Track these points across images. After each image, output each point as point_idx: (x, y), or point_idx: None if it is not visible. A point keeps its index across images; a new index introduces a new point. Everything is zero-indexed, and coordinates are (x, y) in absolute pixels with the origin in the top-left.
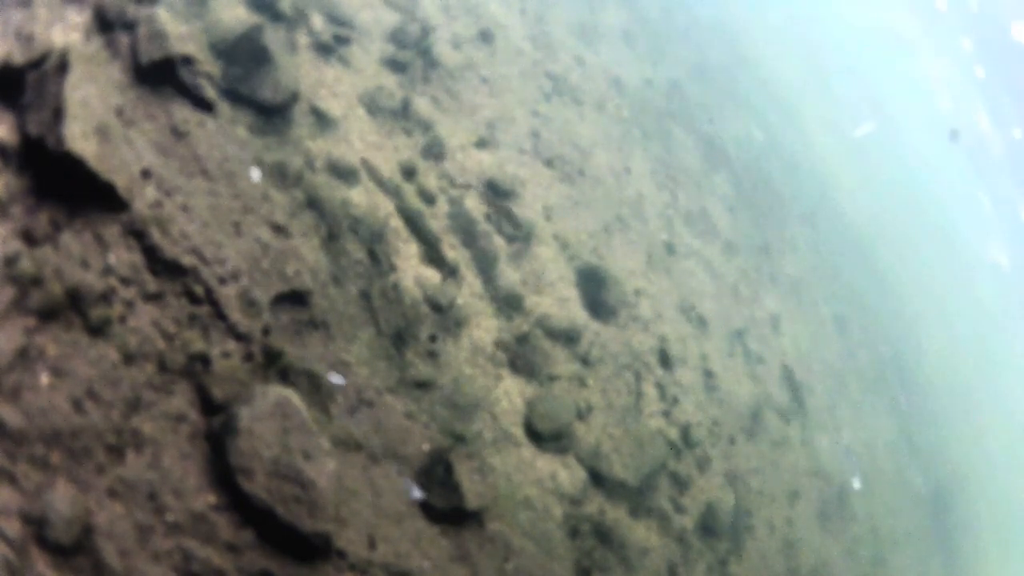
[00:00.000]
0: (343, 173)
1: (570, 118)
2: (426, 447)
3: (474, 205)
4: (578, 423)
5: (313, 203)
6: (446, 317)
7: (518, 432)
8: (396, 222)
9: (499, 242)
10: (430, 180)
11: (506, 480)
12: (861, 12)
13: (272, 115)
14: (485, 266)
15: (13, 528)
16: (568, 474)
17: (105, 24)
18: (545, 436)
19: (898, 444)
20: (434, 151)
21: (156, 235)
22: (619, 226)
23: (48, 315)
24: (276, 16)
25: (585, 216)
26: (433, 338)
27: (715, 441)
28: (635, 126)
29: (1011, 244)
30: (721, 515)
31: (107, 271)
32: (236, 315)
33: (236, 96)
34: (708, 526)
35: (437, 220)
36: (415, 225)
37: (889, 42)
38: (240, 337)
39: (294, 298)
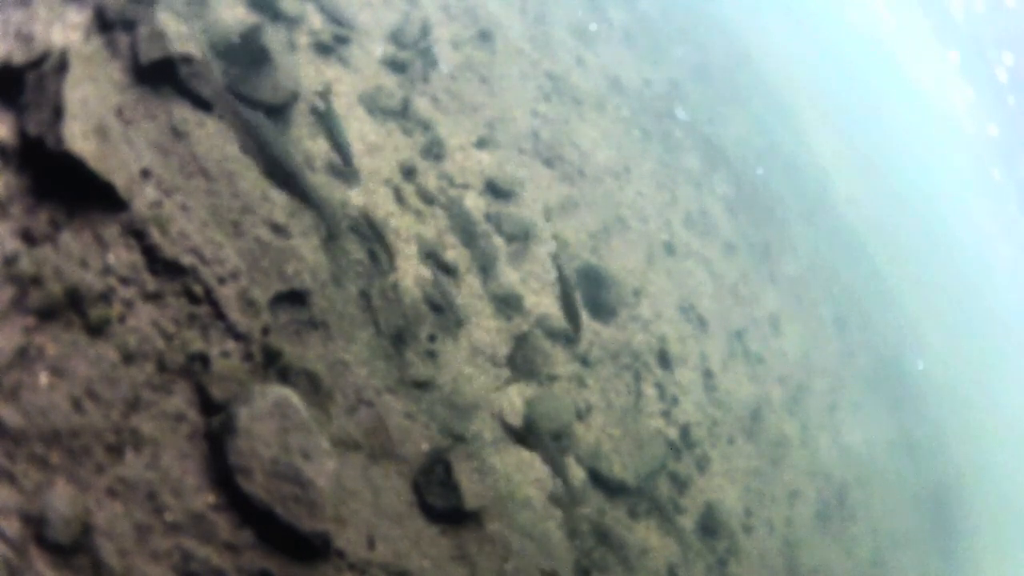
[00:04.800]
0: (343, 173)
1: (570, 118)
2: (425, 447)
3: (474, 205)
4: (578, 423)
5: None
6: (446, 317)
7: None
8: (396, 222)
9: (499, 242)
10: (430, 180)
11: (506, 480)
12: (868, 18)
13: (272, 115)
14: (485, 266)
15: (13, 527)
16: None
17: (105, 24)
18: (544, 436)
19: (898, 443)
20: (434, 151)
21: (155, 235)
22: (619, 226)
23: (47, 315)
24: (276, 16)
25: (585, 216)
26: (433, 338)
27: (715, 441)
28: (635, 126)
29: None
30: (721, 515)
31: (106, 271)
32: (235, 315)
33: (236, 96)
34: (708, 526)
35: (436, 220)
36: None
37: (892, 46)
38: (239, 337)
39: (294, 298)
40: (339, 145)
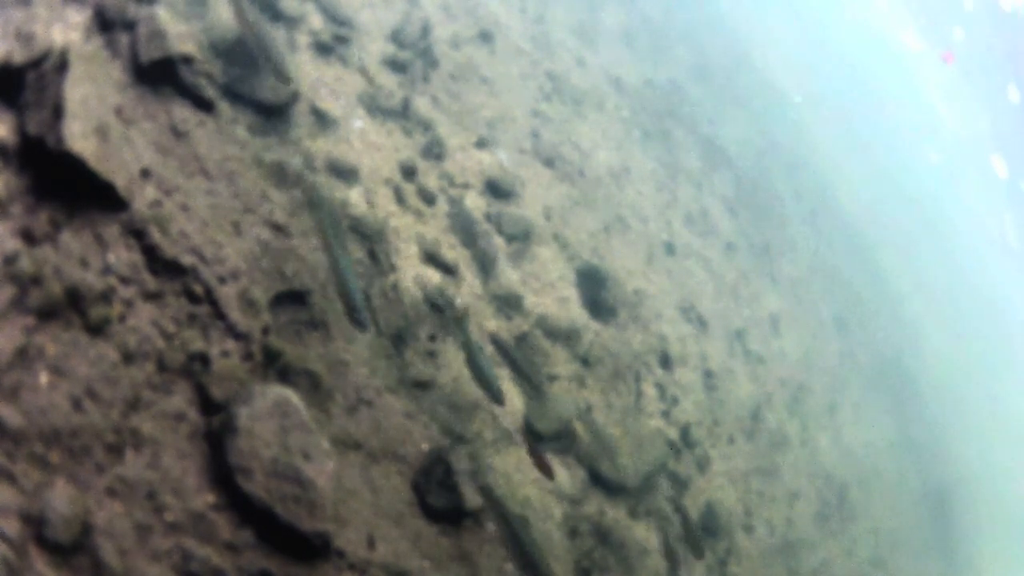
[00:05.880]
0: (343, 173)
1: (570, 118)
2: (426, 447)
3: (474, 204)
4: (578, 423)
5: (313, 203)
6: (446, 317)
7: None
8: (396, 222)
9: (499, 242)
10: (430, 180)
11: (506, 480)
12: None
13: (272, 115)
14: (485, 266)
15: (13, 527)
16: (568, 474)
17: (105, 24)
18: (545, 436)
19: (898, 444)
20: (434, 151)
21: (156, 234)
22: (619, 226)
23: (47, 314)
24: (276, 16)
25: (585, 216)
26: (433, 338)
27: (715, 441)
28: (635, 126)
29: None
30: (721, 515)
31: (107, 270)
32: (236, 314)
33: (236, 96)
34: (708, 526)
35: (437, 220)
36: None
37: (895, 46)
38: (239, 336)
39: (294, 298)
40: (485, 382)
